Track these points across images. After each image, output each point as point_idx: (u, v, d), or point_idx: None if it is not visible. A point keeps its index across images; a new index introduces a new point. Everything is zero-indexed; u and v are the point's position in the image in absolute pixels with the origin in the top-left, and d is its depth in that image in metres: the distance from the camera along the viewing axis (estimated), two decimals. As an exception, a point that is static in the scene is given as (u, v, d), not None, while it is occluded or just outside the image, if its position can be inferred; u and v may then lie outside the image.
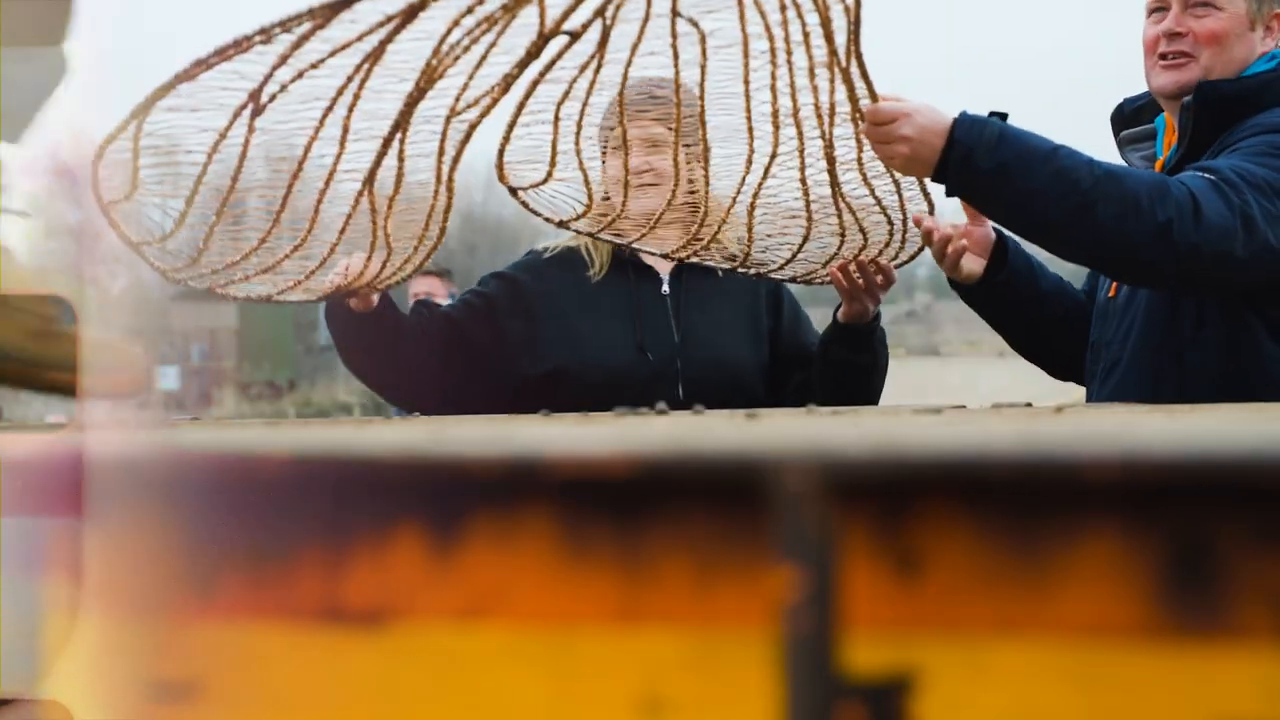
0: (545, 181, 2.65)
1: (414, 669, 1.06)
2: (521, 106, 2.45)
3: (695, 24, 2.44)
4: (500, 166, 2.58)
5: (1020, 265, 2.80)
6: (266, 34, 2.10)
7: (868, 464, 0.95)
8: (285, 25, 2.08)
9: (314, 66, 2.18)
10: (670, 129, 2.70)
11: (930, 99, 2.39)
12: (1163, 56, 2.56)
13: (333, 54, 2.17)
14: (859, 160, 2.58)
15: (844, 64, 2.35)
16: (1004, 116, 2.41)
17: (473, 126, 2.37)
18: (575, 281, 2.94)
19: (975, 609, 0.96)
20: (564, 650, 1.03)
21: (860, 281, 2.80)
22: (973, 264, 2.76)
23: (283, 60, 2.15)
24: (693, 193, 2.75)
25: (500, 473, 1.02)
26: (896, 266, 2.85)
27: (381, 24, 2.13)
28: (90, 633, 1.14)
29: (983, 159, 2.33)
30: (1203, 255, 2.30)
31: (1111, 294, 2.72)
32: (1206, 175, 2.37)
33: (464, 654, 1.05)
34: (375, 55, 2.19)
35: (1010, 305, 2.83)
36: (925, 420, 1.59)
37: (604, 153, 2.78)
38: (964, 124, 2.35)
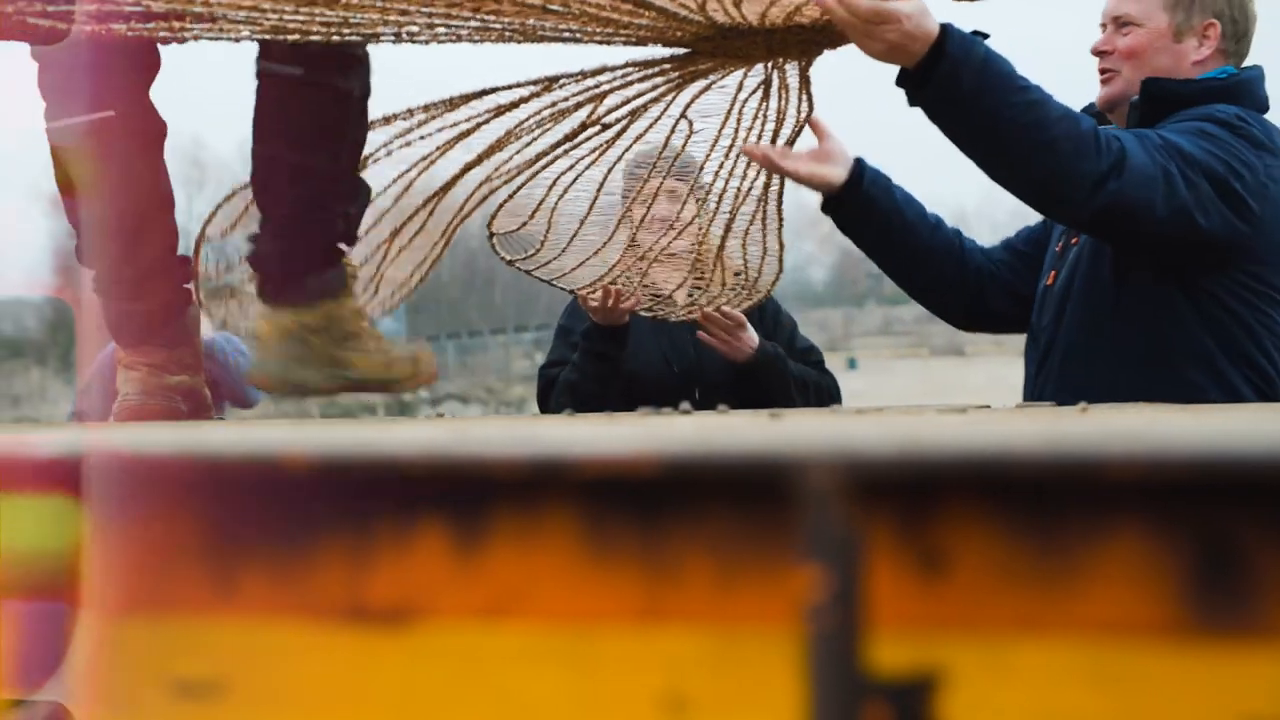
0: (519, 229, 3.25)
1: (437, 668, 1.06)
2: (534, 173, 3.02)
3: (690, 122, 2.96)
4: (494, 215, 3.17)
5: (880, 183, 2.95)
6: (388, 119, 2.71)
7: (892, 463, 0.94)
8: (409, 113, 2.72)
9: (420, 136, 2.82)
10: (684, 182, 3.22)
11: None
12: (1100, 73, 2.74)
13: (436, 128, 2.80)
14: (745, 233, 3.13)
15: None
16: (985, 37, 2.48)
17: (493, 191, 2.99)
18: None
19: (1000, 608, 0.96)
20: (587, 649, 1.03)
21: (716, 335, 3.38)
22: (830, 171, 2.90)
23: (398, 137, 2.80)
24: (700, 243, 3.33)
25: (524, 472, 1.02)
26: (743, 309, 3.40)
27: (480, 115, 2.70)
28: (111, 632, 1.15)
29: (967, 78, 2.41)
30: (1125, 202, 2.44)
31: (1050, 282, 2.84)
32: (1135, 134, 2.52)
33: (487, 653, 1.05)
34: (465, 134, 2.79)
35: (875, 222, 2.95)
36: (949, 420, 1.59)
37: (630, 201, 3.27)
38: (955, 39, 2.42)
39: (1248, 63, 2.73)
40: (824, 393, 3.57)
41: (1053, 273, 2.83)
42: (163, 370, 2.34)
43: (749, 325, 3.48)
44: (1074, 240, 2.77)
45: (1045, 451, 0.92)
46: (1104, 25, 2.75)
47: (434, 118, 2.80)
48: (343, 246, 2.28)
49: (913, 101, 2.47)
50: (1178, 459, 0.90)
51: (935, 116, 2.51)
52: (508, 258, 3.34)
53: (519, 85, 2.65)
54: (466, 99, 2.65)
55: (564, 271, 3.38)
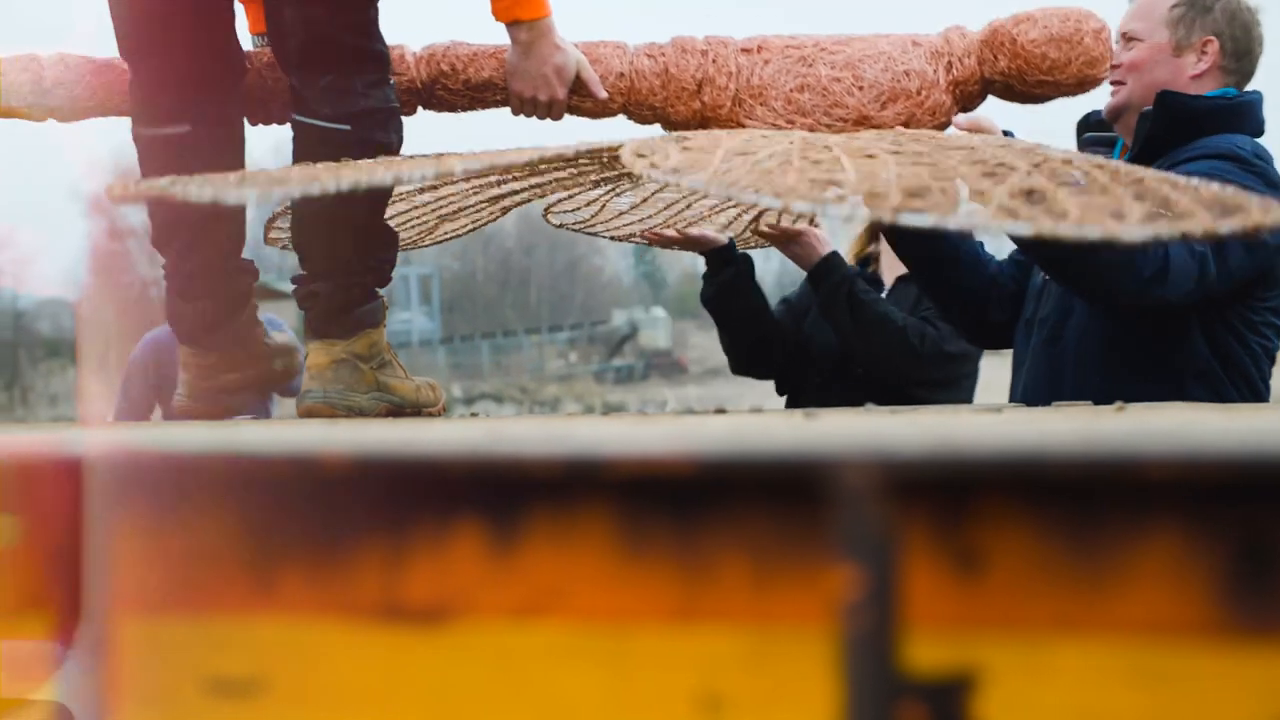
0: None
1: (472, 666, 1.06)
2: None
3: None
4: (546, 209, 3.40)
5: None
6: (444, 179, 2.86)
7: (927, 462, 0.94)
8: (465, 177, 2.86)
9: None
10: None
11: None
12: (1110, 84, 2.84)
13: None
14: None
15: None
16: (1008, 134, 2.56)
17: (516, 204, 3.16)
18: None
19: (1036, 608, 0.95)
20: (623, 648, 1.03)
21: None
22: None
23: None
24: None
25: (559, 471, 1.03)
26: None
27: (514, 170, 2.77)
28: (149, 630, 1.15)
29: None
30: (1165, 299, 2.57)
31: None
32: None
33: (522, 652, 1.05)
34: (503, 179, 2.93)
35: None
36: (985, 419, 1.58)
37: None
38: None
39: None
40: (914, 337, 3.50)
41: None
42: (213, 371, 2.41)
43: (814, 234, 3.51)
44: None
45: (1082, 451, 0.92)
46: (1117, 41, 2.86)
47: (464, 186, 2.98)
48: (378, 286, 2.43)
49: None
50: (1216, 458, 0.90)
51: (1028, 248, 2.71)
52: (558, 224, 3.51)
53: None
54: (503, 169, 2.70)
55: (615, 229, 3.51)
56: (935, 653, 0.96)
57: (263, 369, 2.51)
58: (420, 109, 2.61)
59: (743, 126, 2.56)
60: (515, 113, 2.57)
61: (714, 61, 2.58)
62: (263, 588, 1.12)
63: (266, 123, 2.55)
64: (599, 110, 2.60)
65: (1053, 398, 2.63)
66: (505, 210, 3.16)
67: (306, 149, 2.31)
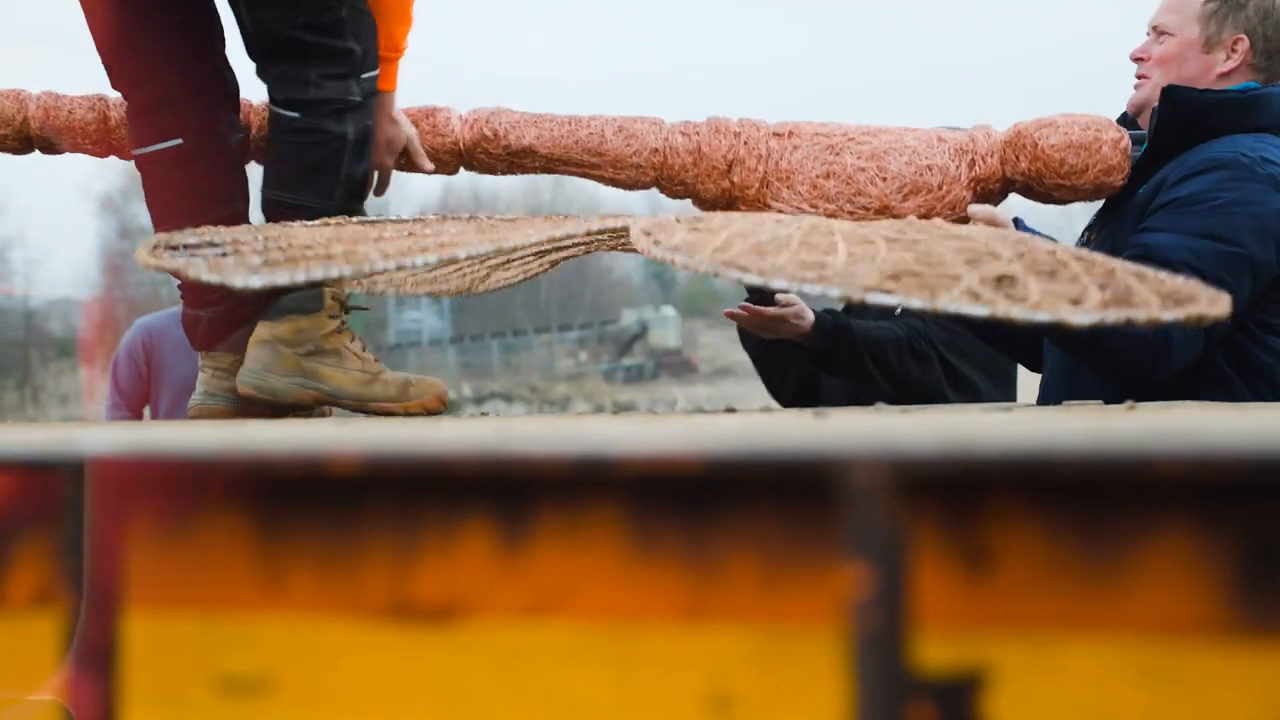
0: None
1: (482, 665, 1.06)
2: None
3: None
4: None
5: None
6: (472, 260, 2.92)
7: (937, 461, 0.94)
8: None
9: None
10: None
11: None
12: (1135, 78, 2.83)
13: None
14: None
15: None
16: (1019, 223, 2.61)
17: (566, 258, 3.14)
18: None
19: (1046, 606, 0.95)
20: (632, 647, 1.03)
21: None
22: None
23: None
24: None
25: (568, 470, 1.03)
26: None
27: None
28: (160, 629, 1.15)
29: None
30: (1174, 370, 2.57)
31: None
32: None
33: (532, 650, 1.05)
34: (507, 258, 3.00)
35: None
36: (995, 418, 1.58)
37: None
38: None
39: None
40: (903, 347, 3.43)
41: None
42: (229, 372, 2.46)
43: (791, 307, 3.37)
44: (1091, 237, 2.80)
45: (1091, 450, 0.92)
46: (1148, 33, 2.85)
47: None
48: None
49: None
50: (1226, 458, 0.90)
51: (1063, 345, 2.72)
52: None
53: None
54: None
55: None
56: (945, 651, 0.96)
57: None
58: (461, 169, 2.76)
59: (768, 208, 2.67)
60: (381, 183, 2.69)
61: (745, 143, 2.68)
62: (273, 586, 1.12)
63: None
64: (631, 182, 2.71)
65: (1073, 398, 2.63)
66: (554, 264, 3.23)
67: (271, 134, 2.44)
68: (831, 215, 2.59)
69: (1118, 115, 2.85)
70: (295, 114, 2.39)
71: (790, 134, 2.69)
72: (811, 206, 2.63)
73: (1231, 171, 2.60)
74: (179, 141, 2.43)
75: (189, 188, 2.43)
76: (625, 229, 1.96)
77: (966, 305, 1.51)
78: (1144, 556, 0.93)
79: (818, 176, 2.64)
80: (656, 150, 2.67)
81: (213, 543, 1.14)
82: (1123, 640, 0.94)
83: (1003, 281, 1.58)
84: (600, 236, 2.39)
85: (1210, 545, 0.92)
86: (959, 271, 1.61)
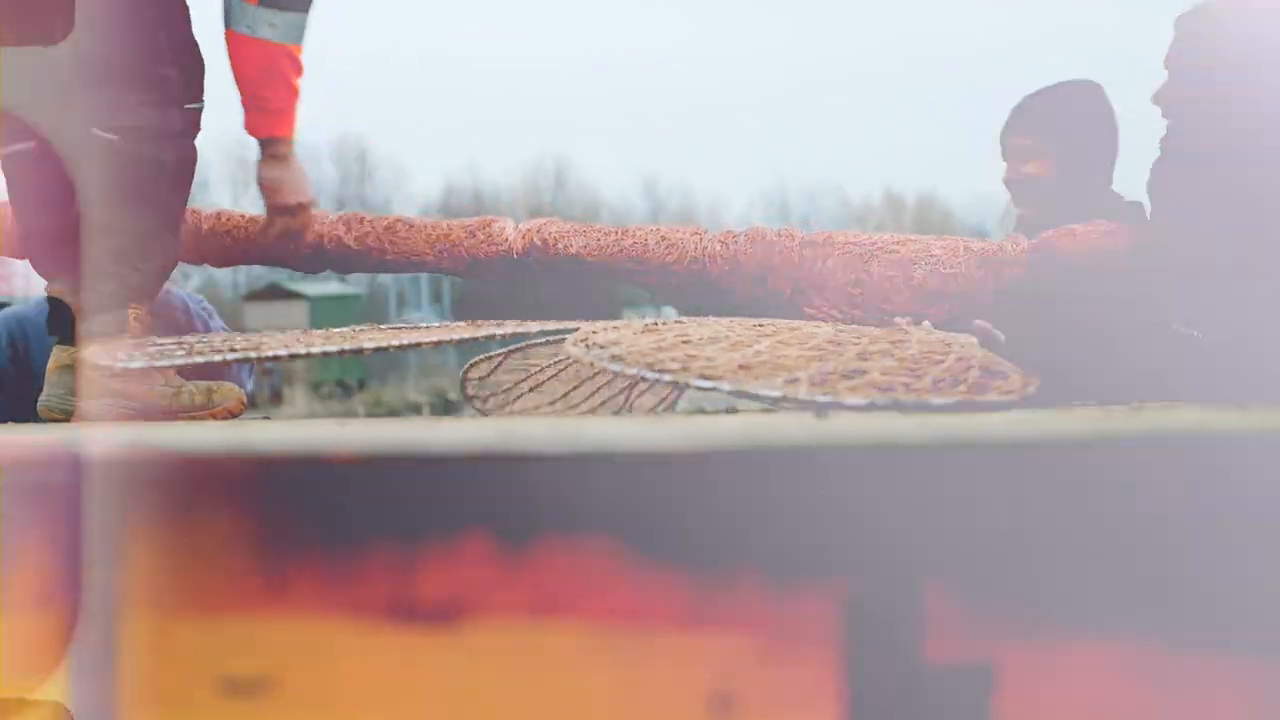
0: None
1: (484, 667, 1.06)
2: None
3: None
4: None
5: None
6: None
7: (938, 460, 0.94)
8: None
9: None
10: None
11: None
12: None
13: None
14: None
15: None
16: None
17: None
18: None
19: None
20: (634, 649, 1.03)
21: None
22: None
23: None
24: None
25: (570, 471, 1.02)
26: None
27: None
28: (161, 630, 1.15)
29: None
30: None
31: None
32: None
33: (534, 652, 1.05)
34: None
35: None
36: (1000, 418, 1.58)
37: None
38: None
39: None
40: None
41: None
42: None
43: None
44: None
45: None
46: None
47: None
48: (131, 297, 2.52)
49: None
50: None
51: None
52: None
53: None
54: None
55: None
56: (951, 650, 0.96)
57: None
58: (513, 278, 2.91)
59: (801, 314, 2.83)
60: (268, 224, 2.73)
61: (779, 253, 2.82)
62: (275, 588, 1.12)
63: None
64: (672, 289, 2.87)
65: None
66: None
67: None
68: (859, 321, 2.76)
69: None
70: (114, 137, 2.43)
71: (824, 242, 2.84)
72: (839, 313, 2.80)
73: None
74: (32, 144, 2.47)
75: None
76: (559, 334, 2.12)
77: (751, 386, 1.70)
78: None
79: (847, 285, 2.79)
80: (695, 259, 2.82)
81: (214, 544, 1.14)
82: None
83: (848, 374, 1.79)
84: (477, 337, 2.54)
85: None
86: (796, 365, 1.82)
